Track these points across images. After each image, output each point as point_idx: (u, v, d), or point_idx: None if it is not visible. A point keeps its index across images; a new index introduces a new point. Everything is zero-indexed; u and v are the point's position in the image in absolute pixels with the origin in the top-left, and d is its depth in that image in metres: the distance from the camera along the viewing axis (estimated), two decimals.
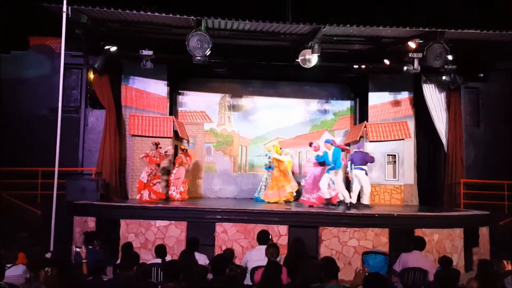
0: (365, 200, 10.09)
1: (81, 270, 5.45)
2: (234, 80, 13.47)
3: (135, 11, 9.01)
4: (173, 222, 8.49)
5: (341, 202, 9.85)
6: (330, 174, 9.63)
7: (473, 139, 11.31)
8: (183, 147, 11.27)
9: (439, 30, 9.60)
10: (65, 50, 8.43)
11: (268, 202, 10.76)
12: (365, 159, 10.11)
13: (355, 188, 10.16)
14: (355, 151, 10.32)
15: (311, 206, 9.81)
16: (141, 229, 8.50)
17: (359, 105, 13.52)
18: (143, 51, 10.28)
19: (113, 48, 10.35)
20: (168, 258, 5.96)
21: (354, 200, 10.01)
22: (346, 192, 9.84)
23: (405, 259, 5.98)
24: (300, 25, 9.46)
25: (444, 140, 11.52)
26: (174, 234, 8.43)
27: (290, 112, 13.60)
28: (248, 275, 5.57)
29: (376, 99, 12.61)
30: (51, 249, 7.50)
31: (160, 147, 10.50)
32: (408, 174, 12.14)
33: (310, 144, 10.43)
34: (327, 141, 9.88)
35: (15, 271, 5.02)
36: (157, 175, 10.32)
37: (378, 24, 9.43)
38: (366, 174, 10.09)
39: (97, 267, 4.87)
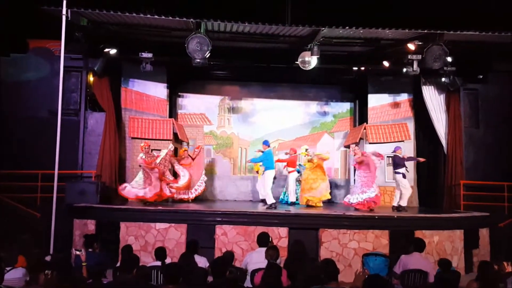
0: (403, 202, 10.10)
1: (81, 273, 5.44)
2: (233, 82, 13.49)
3: (134, 14, 9.02)
4: (173, 224, 8.49)
5: (267, 203, 9.87)
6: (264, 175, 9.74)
7: (472, 140, 11.31)
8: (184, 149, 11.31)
9: (438, 32, 9.62)
10: (64, 53, 8.43)
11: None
12: (401, 162, 10.19)
13: (397, 192, 10.29)
14: (393, 155, 10.35)
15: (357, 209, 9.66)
16: (141, 231, 8.50)
17: (359, 107, 13.53)
18: (142, 53, 10.29)
19: (113, 51, 10.37)
20: (168, 260, 5.95)
21: (404, 203, 10.04)
22: (270, 194, 9.84)
23: (405, 261, 5.98)
24: (299, 27, 9.48)
25: (443, 141, 11.53)
26: (174, 237, 8.42)
27: (289, 114, 13.60)
28: (248, 278, 5.56)
29: (376, 101, 12.62)
30: (51, 252, 7.49)
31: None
32: (408, 175, 12.08)
33: (348, 147, 10.40)
34: (265, 142, 10.15)
35: (15, 274, 5.00)
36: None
37: (377, 26, 9.45)
38: (404, 176, 10.15)
39: (97, 270, 4.87)
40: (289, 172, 11.25)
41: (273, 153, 12.32)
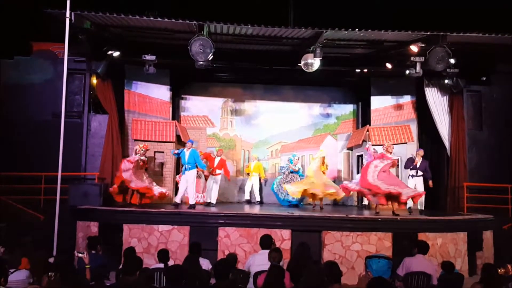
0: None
1: (84, 275, 5.45)
2: (236, 85, 13.50)
3: (137, 17, 9.05)
4: (175, 226, 8.49)
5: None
6: (186, 175, 9.60)
7: (476, 142, 11.28)
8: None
9: (441, 33, 9.61)
10: (68, 56, 8.41)
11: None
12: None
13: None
14: (422, 161, 10.43)
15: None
16: (143, 233, 8.50)
17: (362, 109, 13.52)
18: (145, 56, 10.31)
19: (116, 53, 10.39)
20: (171, 262, 5.96)
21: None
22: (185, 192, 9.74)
23: (408, 263, 5.97)
24: (302, 30, 9.48)
25: (447, 143, 11.50)
26: (177, 239, 8.42)
27: (292, 116, 13.61)
28: (251, 280, 5.56)
29: (379, 102, 12.60)
30: (54, 254, 7.49)
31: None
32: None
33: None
34: (189, 141, 10.09)
35: (18, 276, 5.03)
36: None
37: (380, 28, 9.45)
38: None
39: (100, 272, 4.87)
40: (216, 174, 11.03)
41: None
